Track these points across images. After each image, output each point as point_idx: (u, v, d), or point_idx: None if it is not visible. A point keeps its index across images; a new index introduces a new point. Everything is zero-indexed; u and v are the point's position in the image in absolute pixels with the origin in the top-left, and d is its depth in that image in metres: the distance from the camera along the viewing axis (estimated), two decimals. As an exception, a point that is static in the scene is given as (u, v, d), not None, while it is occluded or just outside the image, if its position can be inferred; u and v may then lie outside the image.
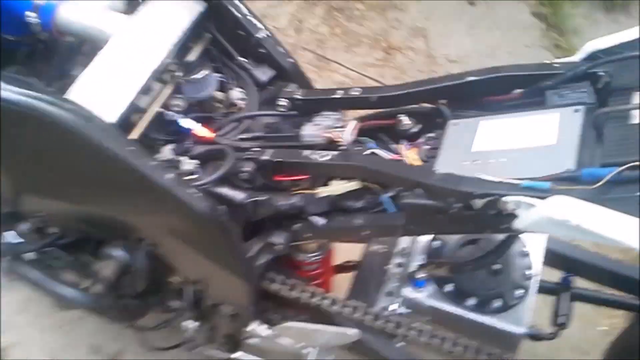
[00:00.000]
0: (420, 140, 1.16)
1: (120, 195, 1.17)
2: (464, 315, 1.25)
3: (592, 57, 1.02)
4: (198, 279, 1.35)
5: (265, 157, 1.15)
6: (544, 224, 0.83)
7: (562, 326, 1.31)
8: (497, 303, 1.24)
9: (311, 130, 1.15)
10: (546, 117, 0.97)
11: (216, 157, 1.25)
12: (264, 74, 1.38)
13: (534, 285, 1.26)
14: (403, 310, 1.31)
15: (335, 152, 1.09)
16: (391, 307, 1.31)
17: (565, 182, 0.84)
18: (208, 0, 1.32)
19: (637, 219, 0.74)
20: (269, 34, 1.35)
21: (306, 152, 1.12)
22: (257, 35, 1.34)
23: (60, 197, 1.25)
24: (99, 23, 1.24)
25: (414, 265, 1.30)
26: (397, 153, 1.12)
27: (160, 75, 1.26)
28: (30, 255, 1.45)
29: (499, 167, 0.93)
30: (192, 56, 1.33)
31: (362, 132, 1.21)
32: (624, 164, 0.80)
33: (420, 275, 1.26)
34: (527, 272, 1.28)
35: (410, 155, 1.08)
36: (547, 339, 1.29)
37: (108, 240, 1.35)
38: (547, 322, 1.36)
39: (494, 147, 0.98)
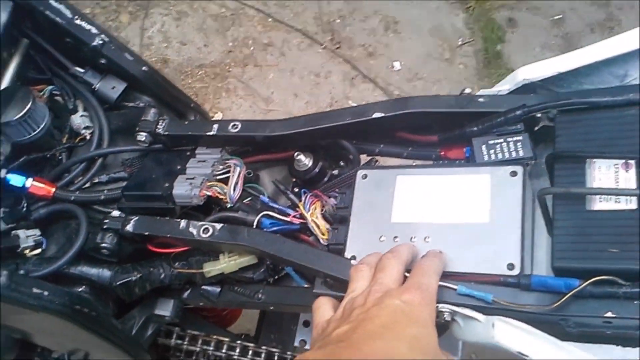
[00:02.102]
0: (323, 182, 0.95)
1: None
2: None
3: (524, 88, 0.83)
4: (75, 351, 1.12)
5: (129, 229, 0.90)
6: (485, 344, 0.68)
7: None
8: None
9: (185, 189, 0.89)
10: (475, 178, 0.78)
11: (63, 217, 0.98)
12: (112, 89, 1.08)
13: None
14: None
15: (218, 226, 0.85)
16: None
17: (511, 290, 0.68)
18: (14, 1, 0.98)
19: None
20: (108, 38, 1.03)
21: (182, 225, 0.87)
22: (93, 43, 1.02)
23: None
24: None
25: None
26: (296, 206, 0.91)
27: None
28: None
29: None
30: (8, 76, 1.00)
31: (250, 165, 0.98)
32: (582, 272, 0.65)
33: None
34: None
35: (314, 217, 0.87)
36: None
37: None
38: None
39: (416, 217, 0.79)
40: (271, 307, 0.94)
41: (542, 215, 0.72)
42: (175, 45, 2.72)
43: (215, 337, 1.21)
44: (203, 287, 0.97)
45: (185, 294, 1.01)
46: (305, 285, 0.91)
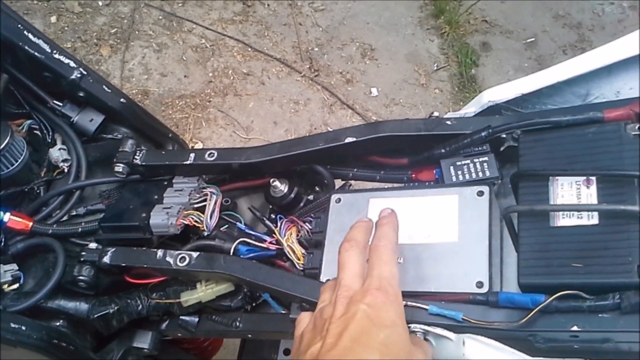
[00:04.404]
0: (299, 207, 0.96)
1: None
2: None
3: (490, 110, 0.85)
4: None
5: (106, 261, 0.90)
6: (457, 362, 0.69)
7: None
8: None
9: (162, 218, 0.90)
10: (443, 199, 0.80)
11: (41, 251, 0.98)
12: (90, 122, 1.09)
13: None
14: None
15: (195, 255, 0.86)
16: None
17: (480, 308, 0.69)
18: None
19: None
20: (86, 72, 1.05)
21: (159, 254, 0.88)
22: (71, 76, 1.03)
23: None
24: None
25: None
26: (272, 232, 0.92)
27: None
28: None
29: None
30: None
31: (227, 193, 1.00)
32: (548, 287, 0.66)
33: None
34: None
35: (289, 243, 0.89)
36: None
37: None
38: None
39: (389, 239, 0.80)
40: (249, 335, 0.95)
41: (509, 233, 0.74)
42: (155, 77, 2.74)
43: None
44: (181, 317, 0.97)
45: (164, 325, 1.01)
46: (283, 312, 0.91)
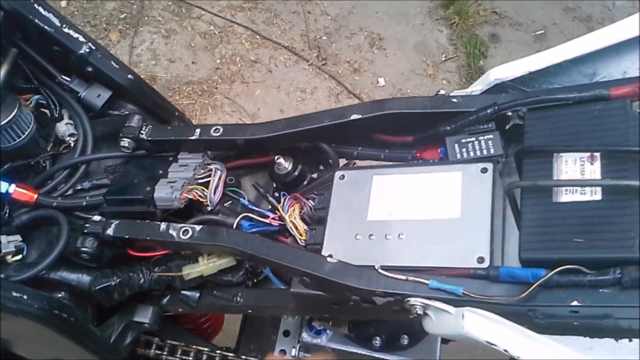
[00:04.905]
0: (303, 184, 0.96)
1: None
2: (372, 356, 1.13)
3: (497, 88, 0.85)
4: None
5: (109, 233, 0.90)
6: (456, 335, 0.69)
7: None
8: (404, 340, 1.12)
9: (166, 192, 0.90)
10: (447, 176, 0.80)
11: (45, 223, 0.98)
12: (98, 97, 1.09)
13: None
14: (302, 355, 1.17)
15: (198, 228, 0.86)
16: (292, 353, 1.17)
17: (480, 283, 0.69)
18: (3, 10, 0.99)
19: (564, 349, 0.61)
20: (95, 46, 1.05)
21: (162, 227, 0.88)
22: (80, 51, 1.04)
23: None
24: None
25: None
26: (275, 209, 0.92)
27: None
28: None
29: (398, 247, 0.77)
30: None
31: (232, 170, 1.00)
32: (549, 262, 0.66)
33: (318, 324, 1.10)
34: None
35: (292, 219, 0.89)
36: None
37: None
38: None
39: (391, 215, 0.80)
40: (250, 310, 0.95)
41: (511, 209, 0.74)
42: (163, 63, 2.75)
43: (194, 347, 1.20)
44: (182, 292, 0.98)
45: (165, 300, 1.01)
46: (283, 287, 0.92)
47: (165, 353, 1.15)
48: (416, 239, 0.76)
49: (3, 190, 0.96)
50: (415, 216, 0.79)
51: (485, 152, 0.81)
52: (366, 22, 2.99)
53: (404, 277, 0.72)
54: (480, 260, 0.71)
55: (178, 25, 2.86)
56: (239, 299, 0.94)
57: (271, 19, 2.95)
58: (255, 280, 0.95)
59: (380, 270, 0.74)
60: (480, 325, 0.66)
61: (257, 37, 2.87)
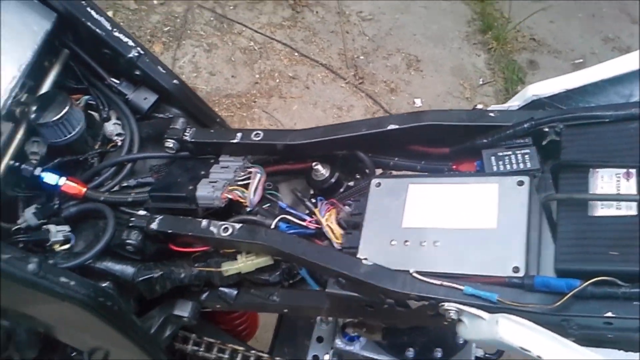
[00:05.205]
0: (339, 191, 0.99)
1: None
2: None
3: (534, 105, 0.87)
4: (95, 350, 1.15)
5: (153, 227, 0.94)
6: (489, 342, 0.70)
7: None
8: (438, 353, 1.13)
9: (208, 191, 0.94)
10: (484, 187, 0.81)
11: (92, 216, 1.03)
12: (144, 100, 1.14)
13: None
14: (336, 360, 1.19)
15: (238, 226, 0.90)
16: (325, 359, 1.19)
17: (515, 291, 0.71)
18: (58, 13, 1.05)
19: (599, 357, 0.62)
20: (143, 51, 1.10)
21: (204, 224, 0.92)
22: (129, 54, 1.09)
23: None
24: None
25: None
26: (312, 213, 0.95)
27: (10, 112, 1.00)
28: None
29: (433, 253, 0.79)
30: (48, 83, 1.07)
31: (271, 176, 1.03)
32: (584, 273, 0.67)
33: (352, 331, 1.12)
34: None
35: (329, 222, 0.91)
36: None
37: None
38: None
39: (427, 223, 0.82)
40: (285, 310, 0.98)
41: (547, 221, 0.75)
42: (204, 75, 2.82)
43: (230, 345, 1.23)
44: (220, 288, 1.01)
45: (204, 296, 1.05)
46: (318, 289, 0.94)
47: (201, 349, 1.18)
48: (452, 246, 0.78)
49: (53, 183, 1.01)
50: (451, 225, 0.80)
51: (521, 165, 0.82)
52: (404, 44, 3.03)
53: (438, 282, 0.74)
54: (516, 270, 0.73)
55: (219, 39, 2.94)
56: (275, 297, 0.97)
57: (310, 37, 3.01)
58: (291, 282, 0.98)
59: (415, 275, 0.76)
60: (515, 331, 0.67)
61: (296, 54, 2.93)
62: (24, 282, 0.86)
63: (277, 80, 2.84)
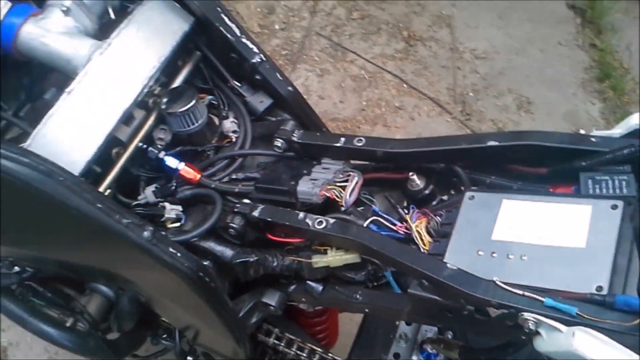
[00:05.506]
0: (432, 204, 1.03)
1: (95, 249, 1.06)
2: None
3: (636, 133, 0.87)
4: (186, 328, 1.25)
5: (255, 214, 1.02)
6: (564, 354, 0.71)
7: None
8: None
9: (308, 187, 1.01)
10: (576, 208, 0.82)
11: (202, 200, 1.13)
12: (260, 103, 1.24)
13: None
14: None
15: (332, 220, 0.96)
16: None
17: (595, 307, 0.71)
18: (196, 17, 1.17)
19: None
20: (265, 58, 1.20)
21: (300, 215, 0.99)
22: (252, 60, 1.19)
23: (30, 245, 1.13)
24: (65, 49, 1.09)
25: (423, 332, 1.18)
26: (403, 220, 0.99)
27: (143, 101, 1.13)
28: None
29: (518, 266, 0.80)
30: (178, 80, 1.19)
31: (365, 182, 1.08)
32: (670, 297, 0.66)
33: (430, 348, 1.14)
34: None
35: (419, 229, 0.95)
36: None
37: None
38: None
39: (516, 237, 0.84)
40: (366, 310, 1.01)
41: (637, 248, 0.75)
42: (314, 98, 2.95)
43: (309, 345, 1.28)
44: (308, 282, 1.06)
45: (291, 288, 1.11)
46: (401, 292, 0.97)
47: (282, 344, 1.24)
48: (538, 261, 0.79)
49: (173, 166, 1.12)
50: (539, 241, 0.82)
51: (617, 191, 0.82)
52: (516, 85, 3.00)
53: (520, 292, 0.75)
54: (599, 289, 0.73)
55: (332, 66, 3.07)
56: (358, 296, 1.01)
57: (420, 70, 3.06)
58: (375, 284, 1.02)
59: (498, 282, 0.77)
60: (591, 344, 0.67)
61: (404, 85, 2.99)
62: (138, 247, 0.96)
63: (383, 109, 2.91)
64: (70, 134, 1.03)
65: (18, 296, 1.30)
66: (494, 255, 0.83)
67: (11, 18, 1.07)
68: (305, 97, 2.95)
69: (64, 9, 1.08)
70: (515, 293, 0.75)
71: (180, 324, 1.25)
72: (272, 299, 1.11)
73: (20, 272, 1.27)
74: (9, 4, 1.06)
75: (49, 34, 1.08)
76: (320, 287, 1.06)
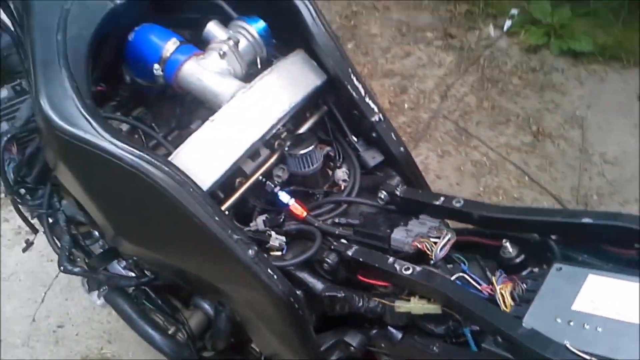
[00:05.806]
0: (522, 273, 1.05)
1: (204, 259, 1.19)
2: None
3: None
4: (271, 355, 1.33)
5: (349, 253, 1.11)
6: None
7: None
8: None
9: (402, 236, 1.08)
10: (663, 292, 0.82)
11: (304, 236, 1.23)
12: (372, 158, 1.35)
13: None
14: None
15: (419, 268, 1.01)
16: None
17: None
18: (328, 74, 1.32)
19: None
20: (383, 118, 1.31)
21: (390, 260, 1.05)
22: (372, 118, 1.30)
23: (153, 246, 1.29)
24: (215, 86, 1.26)
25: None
26: (489, 282, 1.02)
27: (270, 141, 1.28)
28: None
29: (592, 336, 0.81)
30: (303, 129, 1.33)
31: (459, 244, 1.13)
32: None
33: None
34: None
35: (503, 291, 0.97)
36: None
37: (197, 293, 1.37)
38: None
39: (596, 310, 0.85)
40: (443, 363, 1.04)
41: None
42: (431, 177, 3.01)
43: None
44: (389, 327, 1.11)
45: (373, 332, 1.16)
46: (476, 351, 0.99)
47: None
48: (611, 334, 0.80)
49: (285, 201, 1.24)
50: (617, 316, 0.82)
51: None
52: (645, 194, 2.87)
53: (588, 358, 0.76)
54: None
55: (454, 149, 3.13)
56: (435, 348, 1.04)
57: (544, 165, 3.03)
58: (453, 340, 1.04)
59: (568, 346, 0.79)
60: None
61: (526, 178, 2.97)
62: (242, 262, 1.07)
63: (501, 198, 2.90)
64: (204, 157, 1.19)
65: (132, 297, 1.46)
66: (571, 323, 0.84)
67: (177, 55, 1.28)
68: (423, 173, 3.02)
69: (221, 52, 1.27)
70: (584, 358, 0.76)
71: (268, 350, 1.33)
72: (353, 340, 1.16)
73: (139, 276, 1.44)
74: (178, 43, 1.28)
75: (205, 72, 1.27)
76: (399, 335, 1.10)
